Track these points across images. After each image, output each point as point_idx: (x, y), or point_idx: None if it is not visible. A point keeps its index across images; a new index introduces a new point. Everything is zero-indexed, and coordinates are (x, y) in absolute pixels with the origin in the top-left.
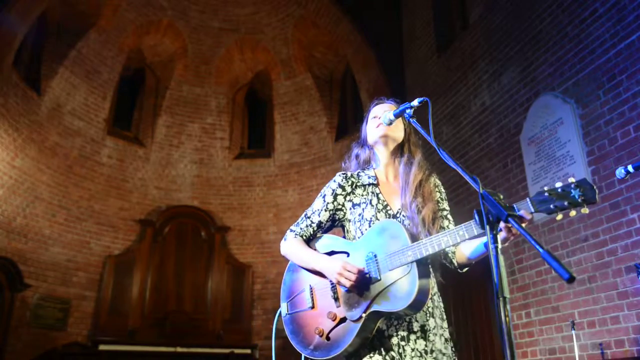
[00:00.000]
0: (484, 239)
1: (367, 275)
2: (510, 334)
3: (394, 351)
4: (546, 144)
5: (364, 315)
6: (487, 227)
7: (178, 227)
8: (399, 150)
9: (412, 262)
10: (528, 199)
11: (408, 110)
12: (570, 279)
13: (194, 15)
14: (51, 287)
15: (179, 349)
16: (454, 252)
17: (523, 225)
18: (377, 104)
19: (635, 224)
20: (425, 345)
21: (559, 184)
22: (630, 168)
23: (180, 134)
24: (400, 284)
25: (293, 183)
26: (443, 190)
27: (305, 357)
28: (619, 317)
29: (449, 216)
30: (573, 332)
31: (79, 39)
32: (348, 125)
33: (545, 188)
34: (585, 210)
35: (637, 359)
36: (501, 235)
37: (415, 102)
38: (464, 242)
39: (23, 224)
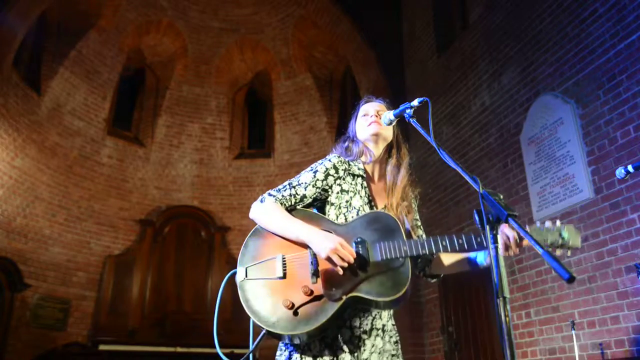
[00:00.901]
0: (470, 254)
1: (356, 258)
2: (510, 334)
3: (352, 344)
4: (546, 144)
5: (344, 297)
6: (487, 227)
7: (178, 227)
8: (387, 151)
9: (407, 256)
10: (527, 226)
11: (408, 110)
12: (570, 279)
13: (194, 15)
14: (51, 287)
15: (179, 349)
16: (429, 260)
17: (520, 247)
18: (366, 102)
19: (635, 224)
20: (382, 345)
21: (548, 224)
22: (630, 168)
23: (180, 134)
24: (390, 275)
25: None
26: (416, 203)
27: (254, 327)
28: (619, 317)
29: (421, 226)
30: (573, 332)
31: (79, 39)
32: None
33: (538, 223)
34: (568, 252)
35: (637, 359)
36: (500, 245)
37: (415, 102)
38: (444, 254)
39: (23, 224)
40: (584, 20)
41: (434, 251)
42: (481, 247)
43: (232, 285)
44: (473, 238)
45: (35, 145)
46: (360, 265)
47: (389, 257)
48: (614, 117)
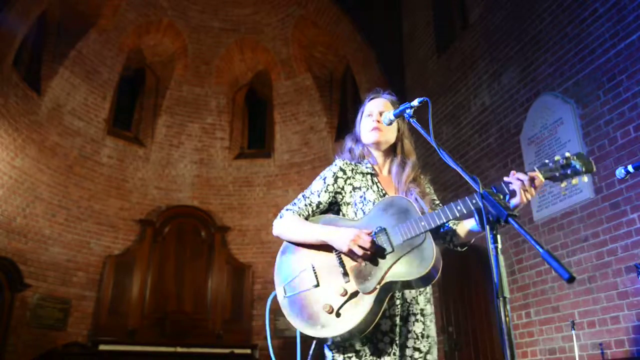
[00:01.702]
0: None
1: (379, 246)
2: (510, 334)
3: (393, 333)
4: (546, 144)
5: (378, 286)
6: (487, 227)
7: (178, 227)
8: (392, 150)
9: (426, 231)
10: (535, 168)
11: (408, 110)
12: (570, 279)
13: (194, 15)
14: (51, 287)
15: (179, 349)
16: (454, 231)
17: (535, 187)
18: (371, 99)
19: (635, 224)
20: (423, 330)
21: (558, 157)
22: (630, 168)
23: (180, 134)
24: (416, 253)
25: (293, 183)
26: (432, 188)
27: (300, 334)
28: (619, 317)
29: (440, 204)
30: (573, 332)
31: (79, 39)
32: (348, 125)
33: (547, 160)
34: (585, 178)
35: (637, 359)
36: (515, 201)
37: (415, 102)
38: (466, 222)
39: (23, 224)
40: (584, 20)
41: (451, 217)
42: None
43: (232, 285)
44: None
45: (35, 145)
46: (384, 252)
47: (409, 236)
48: (614, 117)
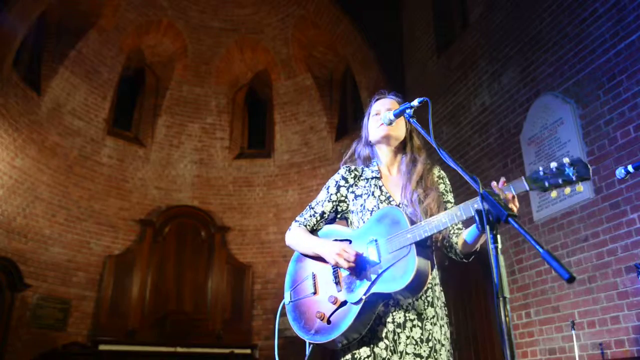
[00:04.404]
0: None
1: (367, 258)
2: (510, 334)
3: (388, 339)
4: (546, 144)
5: (364, 297)
6: (487, 227)
7: (178, 227)
8: (402, 147)
9: (411, 244)
10: (523, 178)
11: (408, 110)
12: (570, 279)
13: (194, 15)
14: (51, 287)
15: (179, 349)
16: (457, 243)
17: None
18: (378, 99)
19: (635, 224)
20: (421, 334)
21: (553, 164)
22: (630, 168)
23: (180, 134)
24: (399, 266)
25: (293, 183)
26: (448, 182)
27: (308, 343)
28: (619, 317)
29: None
30: (573, 332)
31: (79, 39)
32: (348, 125)
33: (541, 167)
34: (579, 187)
35: (637, 359)
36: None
37: (415, 102)
38: (467, 231)
39: (23, 224)
40: (584, 20)
41: (435, 230)
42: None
43: (232, 285)
44: (470, 206)
45: (35, 145)
46: (372, 264)
47: (395, 249)
48: (614, 117)
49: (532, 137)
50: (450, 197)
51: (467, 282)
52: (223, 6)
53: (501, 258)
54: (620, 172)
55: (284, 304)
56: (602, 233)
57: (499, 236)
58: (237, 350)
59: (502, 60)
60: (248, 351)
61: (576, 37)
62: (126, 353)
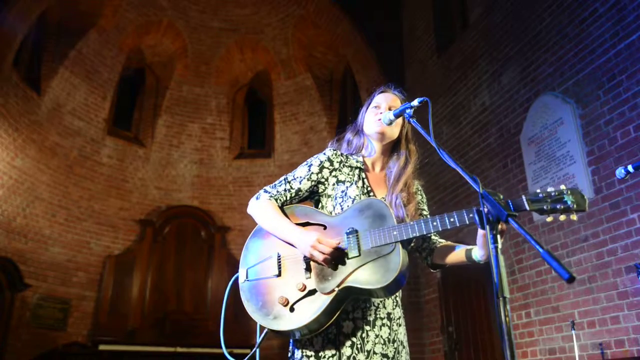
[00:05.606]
0: (467, 248)
1: (345, 250)
2: (510, 334)
3: (355, 337)
4: (546, 144)
5: (336, 289)
6: (487, 227)
7: (178, 227)
8: (391, 147)
9: (397, 241)
10: (523, 196)
11: (408, 110)
12: (570, 279)
13: (194, 15)
14: (51, 287)
15: (179, 349)
16: (432, 250)
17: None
18: (381, 92)
19: (635, 224)
20: (389, 334)
21: (551, 189)
22: (630, 168)
23: (180, 134)
24: (381, 262)
25: None
26: (424, 195)
27: (264, 328)
28: (619, 317)
29: (429, 216)
30: (573, 332)
31: (79, 39)
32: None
33: (539, 190)
34: (573, 216)
35: (637, 359)
36: (479, 254)
37: (415, 102)
38: (446, 245)
39: (23, 224)
40: (584, 20)
41: (425, 232)
42: (472, 222)
43: (235, 285)
44: (465, 214)
45: (35, 145)
46: (349, 255)
47: (378, 244)
48: (614, 117)
49: (532, 137)
50: (425, 207)
51: (467, 282)
52: (223, 6)
53: (501, 258)
54: (620, 172)
55: (236, 279)
56: (602, 233)
57: (499, 236)
58: (237, 350)
59: (502, 60)
60: (248, 351)
61: (576, 37)
62: (126, 353)
